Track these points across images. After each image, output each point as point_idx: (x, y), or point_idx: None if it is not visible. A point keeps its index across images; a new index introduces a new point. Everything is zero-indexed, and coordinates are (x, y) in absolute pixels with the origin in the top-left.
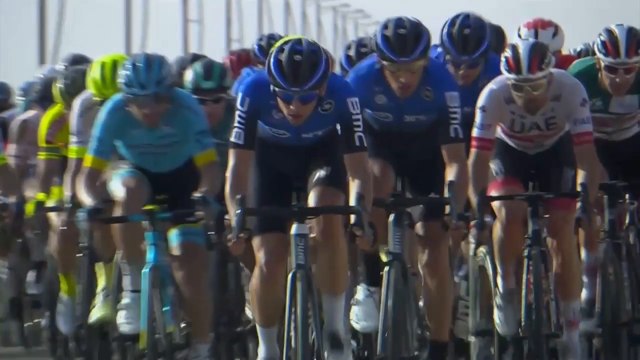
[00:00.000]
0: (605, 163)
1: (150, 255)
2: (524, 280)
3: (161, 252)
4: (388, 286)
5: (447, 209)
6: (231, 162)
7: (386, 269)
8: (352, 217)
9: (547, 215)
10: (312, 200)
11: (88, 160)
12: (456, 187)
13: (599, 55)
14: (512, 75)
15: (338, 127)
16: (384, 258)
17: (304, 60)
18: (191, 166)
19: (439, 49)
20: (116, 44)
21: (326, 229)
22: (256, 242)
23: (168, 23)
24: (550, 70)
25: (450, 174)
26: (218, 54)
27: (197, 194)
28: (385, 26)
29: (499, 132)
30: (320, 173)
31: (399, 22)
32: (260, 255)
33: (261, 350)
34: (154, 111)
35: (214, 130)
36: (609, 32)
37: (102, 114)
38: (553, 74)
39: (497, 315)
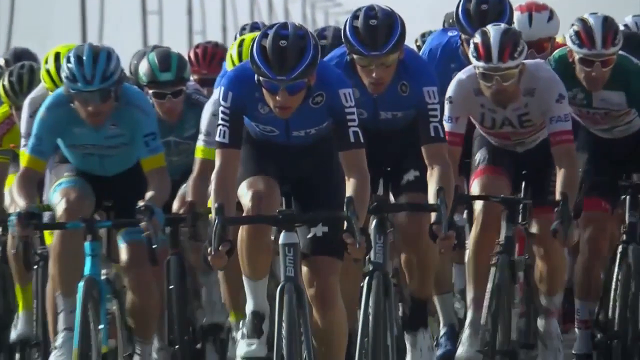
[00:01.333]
0: (611, 161)
1: (86, 267)
2: (489, 289)
3: (99, 265)
4: (367, 299)
5: (434, 216)
6: (217, 163)
7: (366, 279)
8: (344, 224)
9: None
10: (307, 268)
11: (24, 159)
12: (445, 193)
13: (572, 47)
14: (480, 64)
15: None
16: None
17: (290, 45)
18: (140, 170)
19: (450, 33)
20: (72, 36)
21: (320, 296)
22: (243, 187)
23: (126, 14)
24: (523, 60)
25: (434, 178)
26: (180, 48)
27: (141, 203)
28: (355, 16)
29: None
30: (316, 232)
31: (370, 12)
32: (246, 202)
33: (249, 303)
34: (99, 109)
35: (173, 127)
36: (583, 21)
37: (42, 110)
38: (525, 65)
39: (462, 337)
